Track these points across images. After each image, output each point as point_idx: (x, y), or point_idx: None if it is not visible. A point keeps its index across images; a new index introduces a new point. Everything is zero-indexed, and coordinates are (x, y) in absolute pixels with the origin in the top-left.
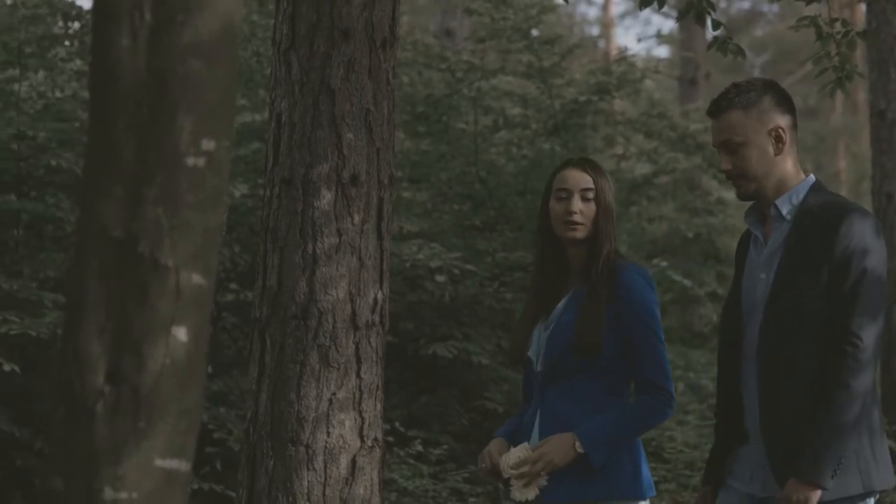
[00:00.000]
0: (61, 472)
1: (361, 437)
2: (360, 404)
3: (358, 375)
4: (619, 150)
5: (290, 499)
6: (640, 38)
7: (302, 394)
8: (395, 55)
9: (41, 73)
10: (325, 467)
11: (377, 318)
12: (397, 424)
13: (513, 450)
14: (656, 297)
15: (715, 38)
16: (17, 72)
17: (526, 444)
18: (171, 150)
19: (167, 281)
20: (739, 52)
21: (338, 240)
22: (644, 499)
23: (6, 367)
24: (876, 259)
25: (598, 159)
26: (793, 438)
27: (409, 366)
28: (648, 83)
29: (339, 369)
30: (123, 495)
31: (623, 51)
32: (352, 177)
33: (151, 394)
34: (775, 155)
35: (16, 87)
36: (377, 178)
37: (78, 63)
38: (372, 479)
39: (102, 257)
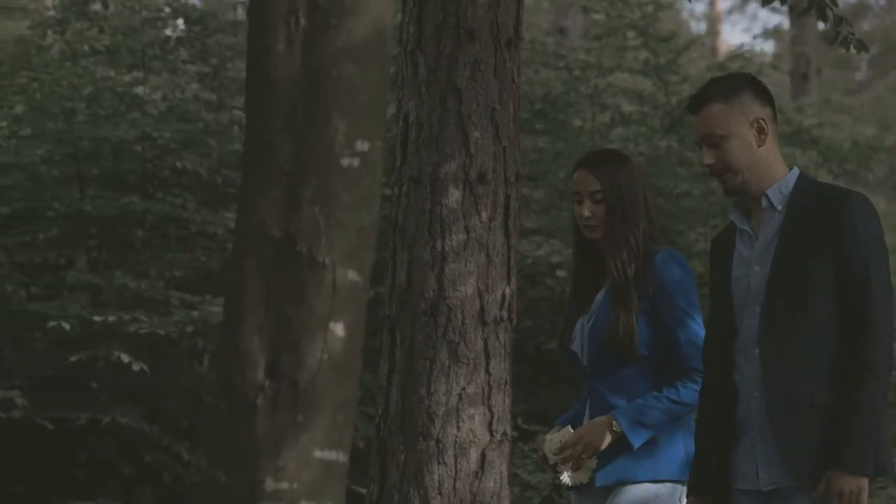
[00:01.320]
0: (223, 465)
1: (490, 431)
2: (489, 399)
3: (487, 371)
4: None
5: (422, 492)
6: (755, 35)
7: (432, 389)
8: (519, 55)
9: (164, 75)
10: (456, 461)
11: (505, 314)
12: (519, 421)
13: (552, 435)
14: (691, 279)
15: (837, 32)
16: (141, 74)
17: (569, 427)
18: (327, 152)
19: (324, 278)
20: (862, 46)
21: (466, 237)
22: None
23: (135, 367)
24: (880, 239)
25: None
26: (806, 427)
27: (529, 362)
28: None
29: (468, 364)
30: (284, 486)
31: (739, 47)
32: (479, 175)
33: (310, 388)
34: (758, 146)
35: (140, 89)
36: (504, 175)
37: (199, 65)
38: (501, 473)
39: (261, 256)
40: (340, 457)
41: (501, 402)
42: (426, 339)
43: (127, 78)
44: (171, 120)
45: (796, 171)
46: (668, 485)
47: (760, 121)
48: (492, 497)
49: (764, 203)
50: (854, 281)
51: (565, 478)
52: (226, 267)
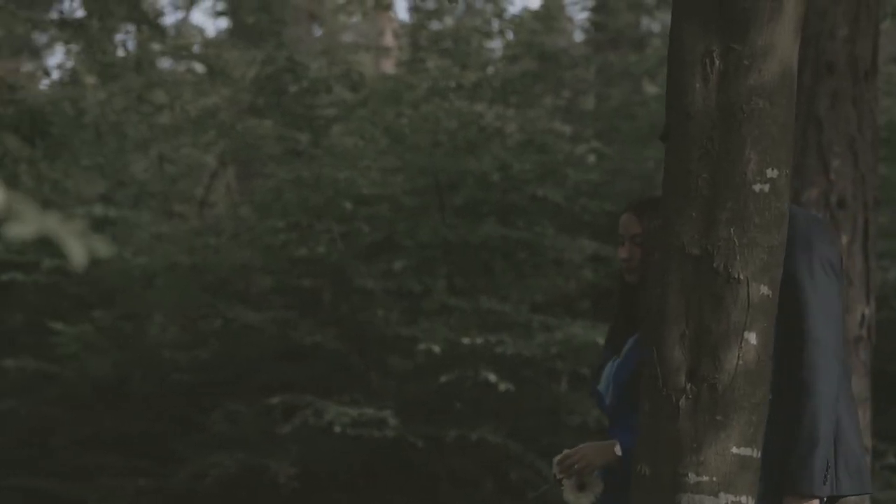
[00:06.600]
0: (648, 460)
1: None
2: None
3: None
4: None
5: None
6: None
7: None
8: (876, 85)
9: (522, 109)
10: None
11: (865, 333)
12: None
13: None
14: None
15: None
16: (501, 108)
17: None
18: (740, 178)
19: (739, 292)
20: None
21: None
22: None
23: (501, 387)
24: (819, 253)
25: None
26: None
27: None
28: None
29: None
30: (705, 479)
31: None
32: (839, 200)
33: (727, 391)
34: None
35: (498, 122)
36: (863, 200)
37: (553, 98)
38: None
39: (682, 272)
40: (754, 453)
41: (863, 417)
42: None
43: (489, 111)
44: (528, 151)
45: None
46: None
47: None
48: None
49: None
50: (791, 302)
51: (566, 495)
52: (592, 291)
